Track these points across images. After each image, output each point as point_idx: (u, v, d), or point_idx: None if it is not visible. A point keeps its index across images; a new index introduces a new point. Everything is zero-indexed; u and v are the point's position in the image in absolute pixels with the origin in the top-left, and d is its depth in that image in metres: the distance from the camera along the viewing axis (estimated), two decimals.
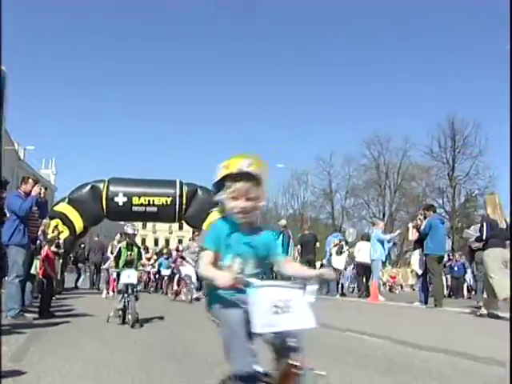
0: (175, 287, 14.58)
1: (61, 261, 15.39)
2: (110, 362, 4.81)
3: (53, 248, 10.54)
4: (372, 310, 11.44)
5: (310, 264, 17.48)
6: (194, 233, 15.90)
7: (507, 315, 7.92)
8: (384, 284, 32.62)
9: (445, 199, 41.55)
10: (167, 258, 17.96)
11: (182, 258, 14.61)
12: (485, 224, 9.16)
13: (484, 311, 8.98)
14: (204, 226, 17.23)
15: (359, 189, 50.68)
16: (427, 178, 43.47)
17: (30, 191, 8.54)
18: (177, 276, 14.65)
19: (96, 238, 21.36)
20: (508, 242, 8.97)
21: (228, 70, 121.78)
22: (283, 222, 17.03)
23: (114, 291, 13.56)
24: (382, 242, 14.34)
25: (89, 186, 17.40)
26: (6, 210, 8.20)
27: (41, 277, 9.54)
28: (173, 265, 15.74)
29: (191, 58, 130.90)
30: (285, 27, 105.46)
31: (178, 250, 16.55)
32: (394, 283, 31.27)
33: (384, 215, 48.19)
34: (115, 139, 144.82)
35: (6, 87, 17.29)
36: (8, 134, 57.69)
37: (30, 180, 8.74)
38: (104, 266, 16.55)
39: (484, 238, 9.12)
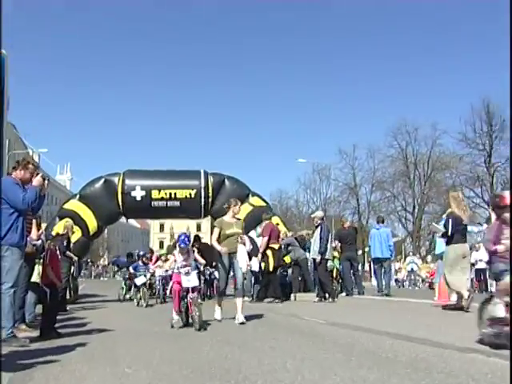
0: None
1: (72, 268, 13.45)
2: None
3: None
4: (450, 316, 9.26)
5: (352, 262, 15.31)
6: None
7: None
8: (423, 281, 30.30)
9: (483, 188, 38.89)
10: None
11: None
12: (450, 220, 9.45)
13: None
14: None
15: (386, 182, 48.23)
16: (461, 166, 40.89)
17: (29, 179, 6.56)
18: None
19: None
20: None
21: (252, 68, 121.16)
22: (320, 213, 14.57)
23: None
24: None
25: (102, 181, 15.33)
26: None
27: (42, 285, 7.50)
28: None
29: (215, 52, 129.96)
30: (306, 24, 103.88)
31: None
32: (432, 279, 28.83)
33: (414, 208, 45.76)
34: (130, 139, 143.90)
35: (5, 72, 15.28)
36: (21, 139, 56.36)
37: (31, 166, 6.69)
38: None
39: (450, 233, 9.38)
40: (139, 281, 13.20)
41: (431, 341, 5.87)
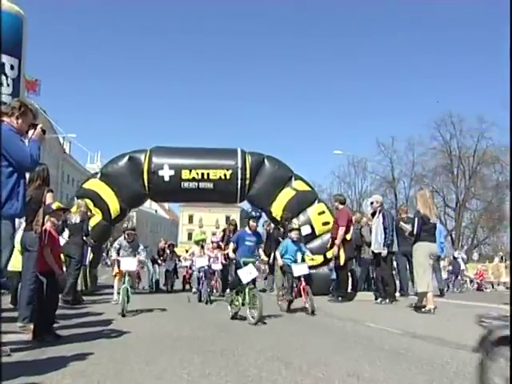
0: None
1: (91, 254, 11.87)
2: None
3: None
4: None
5: (408, 258, 13.10)
6: None
7: None
8: (471, 281, 27.96)
9: None
10: None
11: None
12: (416, 219, 9.25)
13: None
14: (273, 208, 13.27)
15: (426, 176, 45.65)
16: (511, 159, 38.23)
17: (26, 130, 4.71)
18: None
19: None
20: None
21: (290, 59, 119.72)
22: (379, 197, 12.38)
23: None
24: None
25: (126, 158, 13.51)
26: None
27: (37, 274, 5.75)
28: None
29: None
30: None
31: None
32: (482, 280, 26.53)
33: (457, 204, 43.16)
34: (161, 128, 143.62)
35: (23, 32, 13.66)
36: (50, 123, 55.38)
37: (30, 113, 4.79)
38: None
39: (415, 232, 9.18)
40: (247, 275, 7.69)
41: None
